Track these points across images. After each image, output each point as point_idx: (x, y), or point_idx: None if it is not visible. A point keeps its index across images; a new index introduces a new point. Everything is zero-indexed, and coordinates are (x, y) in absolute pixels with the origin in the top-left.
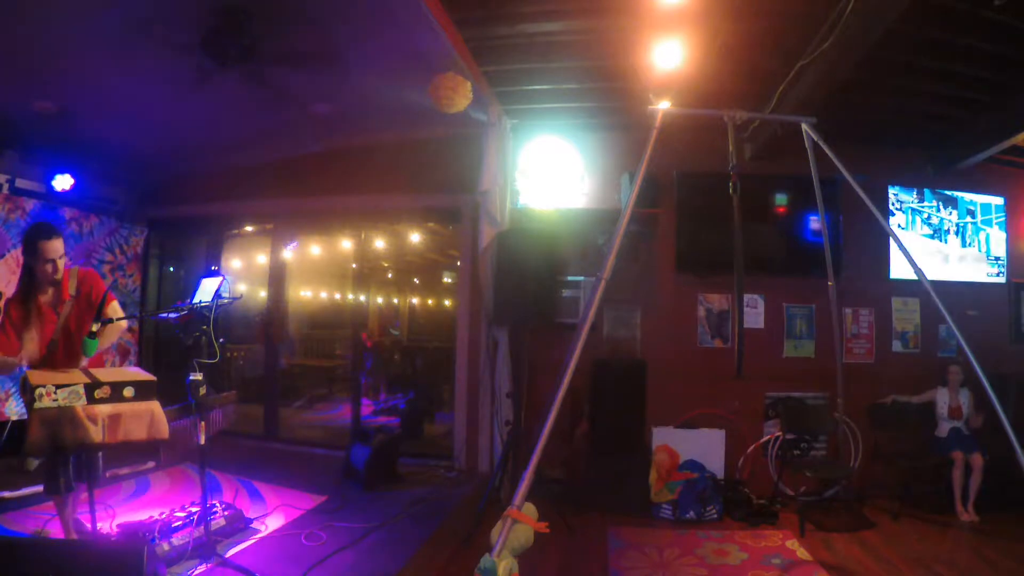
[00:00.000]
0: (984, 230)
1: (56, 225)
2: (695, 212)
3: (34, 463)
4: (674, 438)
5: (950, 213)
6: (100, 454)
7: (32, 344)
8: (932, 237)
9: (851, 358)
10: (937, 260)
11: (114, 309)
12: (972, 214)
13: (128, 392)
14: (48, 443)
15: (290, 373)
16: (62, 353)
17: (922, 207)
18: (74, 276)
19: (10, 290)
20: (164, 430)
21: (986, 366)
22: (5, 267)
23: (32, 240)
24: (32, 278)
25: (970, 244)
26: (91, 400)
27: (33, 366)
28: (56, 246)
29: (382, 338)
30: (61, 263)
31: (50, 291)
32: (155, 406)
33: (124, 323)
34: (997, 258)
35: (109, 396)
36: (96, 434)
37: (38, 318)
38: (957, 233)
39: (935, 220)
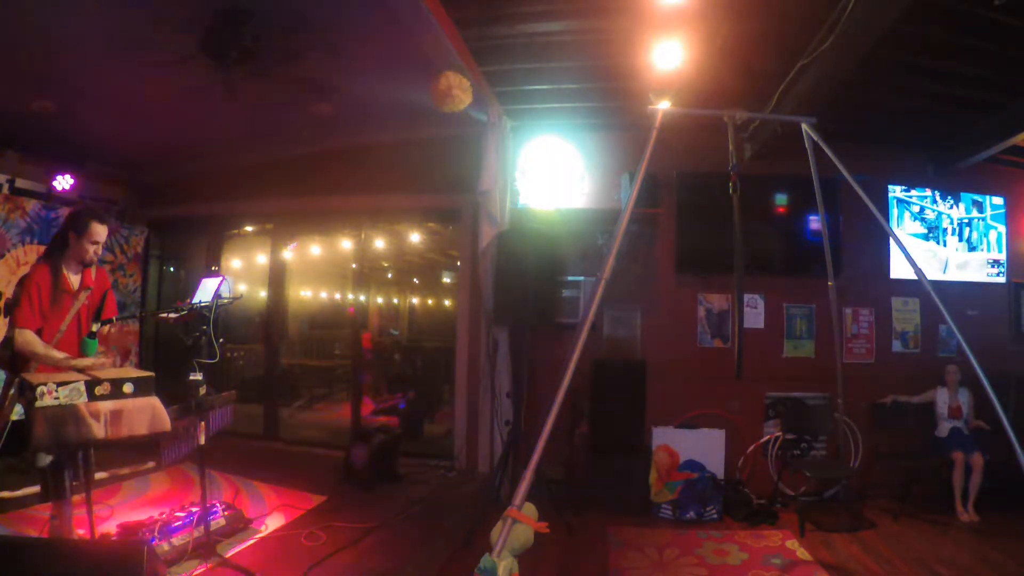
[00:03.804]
0: (995, 227)
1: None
2: (695, 212)
3: (45, 459)
4: (674, 438)
5: (950, 207)
6: (92, 452)
7: (51, 328)
8: (926, 237)
9: (851, 358)
10: (933, 267)
11: (111, 308)
12: (980, 207)
13: (127, 388)
14: (53, 441)
15: (290, 373)
16: (63, 346)
17: (909, 197)
18: (94, 268)
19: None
20: (166, 423)
21: (986, 366)
22: (5, 267)
23: (85, 218)
24: (64, 253)
25: (976, 246)
26: (92, 397)
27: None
28: (104, 231)
29: (382, 338)
30: (100, 250)
31: (78, 274)
32: (155, 401)
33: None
34: (996, 262)
35: (109, 393)
36: (99, 430)
37: (59, 298)
38: (956, 232)
39: (930, 215)
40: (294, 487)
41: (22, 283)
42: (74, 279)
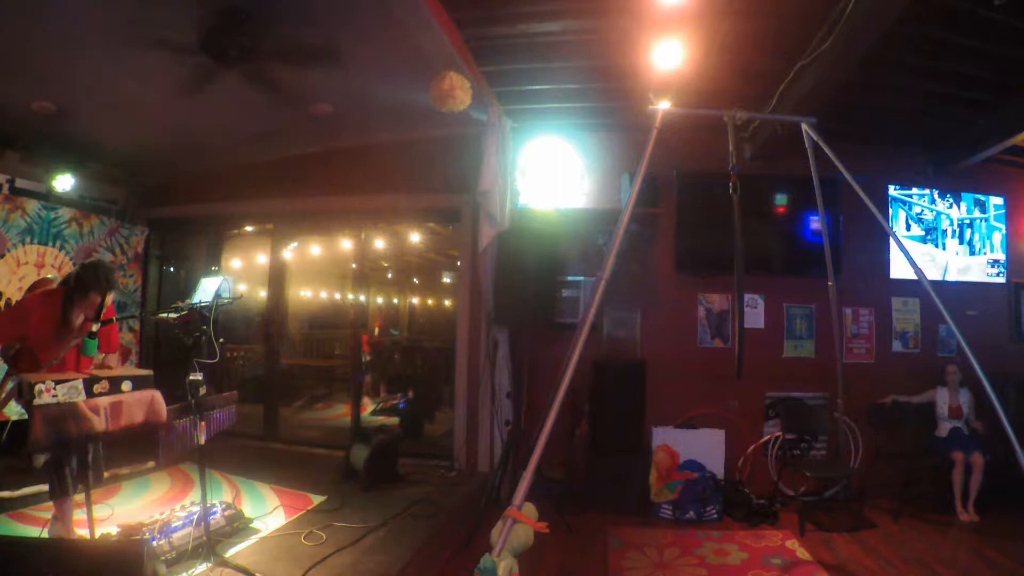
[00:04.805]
0: (998, 228)
1: (114, 279)
2: (695, 212)
3: (41, 459)
4: (674, 438)
5: (950, 206)
6: (100, 451)
7: (50, 353)
8: (924, 240)
9: (851, 358)
10: (932, 273)
11: (110, 310)
12: (982, 207)
13: (126, 386)
14: (53, 439)
15: (290, 373)
16: (58, 367)
17: (909, 196)
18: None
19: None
20: (162, 413)
21: (986, 366)
22: (5, 267)
23: (87, 285)
24: (74, 299)
25: (977, 250)
26: (90, 395)
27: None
28: (106, 302)
29: (382, 338)
30: (101, 312)
31: (81, 316)
32: (155, 393)
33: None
34: (996, 262)
35: (107, 391)
36: (99, 424)
37: (61, 332)
38: (956, 235)
39: (928, 215)
40: (294, 487)
41: (22, 304)
42: (77, 320)
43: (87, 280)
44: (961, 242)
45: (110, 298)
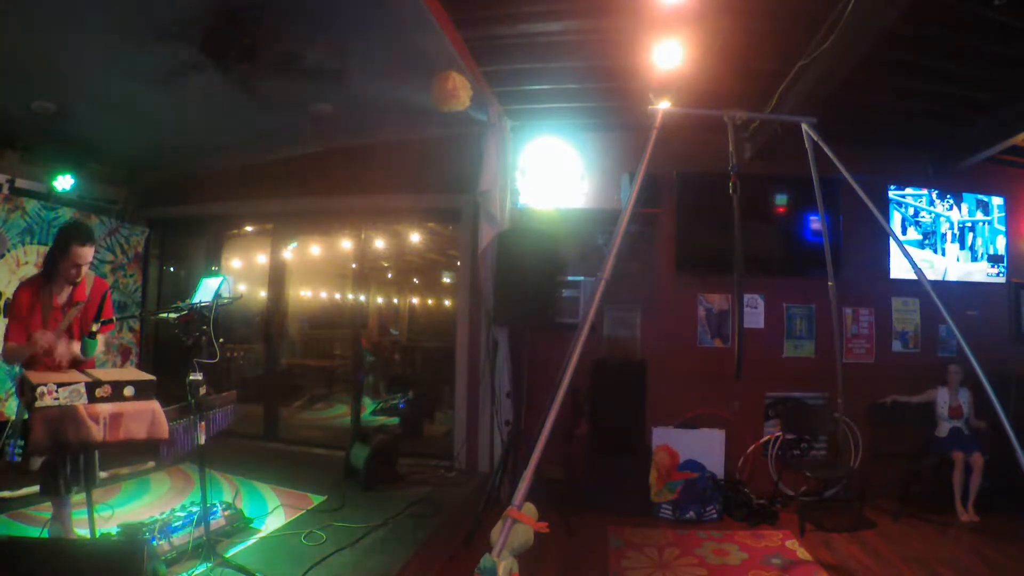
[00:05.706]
0: (1001, 231)
1: (91, 230)
2: (695, 212)
3: (38, 462)
4: (674, 438)
5: (949, 208)
6: (97, 454)
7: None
8: (921, 245)
9: (851, 358)
10: (931, 276)
11: (109, 309)
12: (985, 209)
13: (128, 391)
14: (51, 442)
15: (290, 373)
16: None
17: (903, 197)
18: (91, 281)
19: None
20: (164, 430)
21: (986, 366)
22: (5, 267)
23: (66, 240)
24: (53, 273)
25: (979, 255)
26: (92, 399)
27: (31, 363)
28: (88, 253)
29: (382, 338)
30: (86, 269)
31: (65, 291)
32: (155, 405)
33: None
34: (997, 261)
35: (110, 395)
36: (98, 433)
37: (45, 314)
38: (957, 239)
39: (926, 218)
40: (294, 487)
41: (11, 299)
42: (62, 295)
43: (62, 237)
44: (962, 247)
45: (89, 251)
